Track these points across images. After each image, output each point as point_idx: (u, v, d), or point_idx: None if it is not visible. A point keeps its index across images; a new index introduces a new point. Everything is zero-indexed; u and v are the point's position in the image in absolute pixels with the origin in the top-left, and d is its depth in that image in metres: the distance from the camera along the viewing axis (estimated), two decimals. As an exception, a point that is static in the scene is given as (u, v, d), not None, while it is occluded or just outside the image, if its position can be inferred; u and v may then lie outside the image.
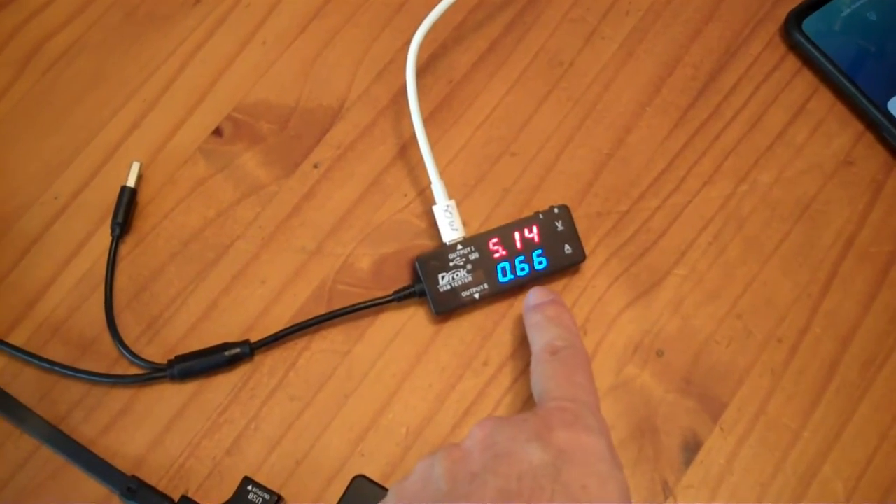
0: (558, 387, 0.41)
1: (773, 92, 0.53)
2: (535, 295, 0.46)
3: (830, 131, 0.52)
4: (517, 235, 0.48)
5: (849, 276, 0.49)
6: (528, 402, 0.47)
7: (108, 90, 0.53)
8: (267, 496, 0.45)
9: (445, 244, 0.48)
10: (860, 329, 0.49)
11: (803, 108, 0.53)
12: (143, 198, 0.51)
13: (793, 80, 0.53)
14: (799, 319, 0.49)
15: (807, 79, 0.53)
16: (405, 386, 0.48)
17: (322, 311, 0.49)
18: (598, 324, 0.49)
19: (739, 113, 0.53)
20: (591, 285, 0.50)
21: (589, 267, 0.50)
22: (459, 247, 0.48)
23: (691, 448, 0.47)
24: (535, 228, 0.48)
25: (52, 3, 0.55)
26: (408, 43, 0.50)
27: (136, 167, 0.51)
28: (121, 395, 0.48)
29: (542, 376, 0.42)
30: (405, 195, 0.51)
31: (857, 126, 0.52)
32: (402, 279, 0.49)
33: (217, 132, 0.52)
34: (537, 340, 0.44)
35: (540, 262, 0.48)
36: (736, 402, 0.48)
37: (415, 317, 0.49)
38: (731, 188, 0.51)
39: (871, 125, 0.52)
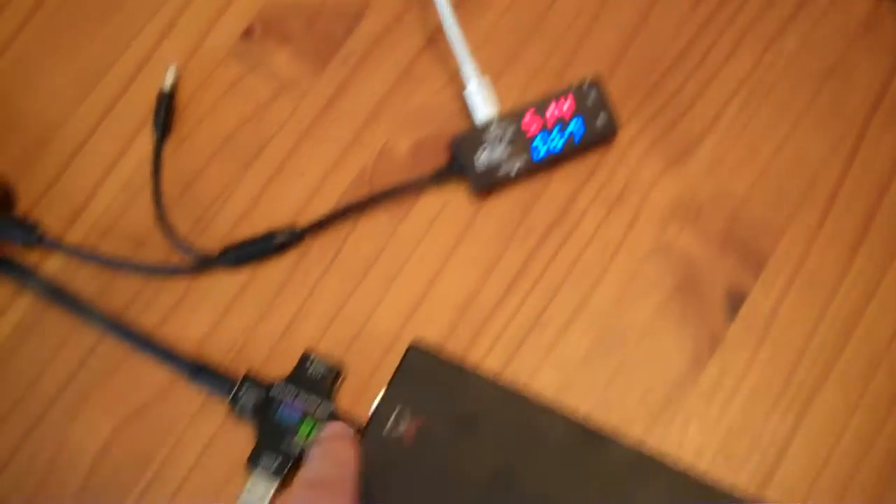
0: None
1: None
2: (327, 429, 0.45)
3: (851, -2, 0.53)
4: (551, 109, 0.49)
5: (878, 132, 0.50)
6: (573, 268, 0.49)
7: (134, 1, 0.54)
8: (327, 367, 0.47)
9: (480, 123, 0.49)
10: (893, 182, 0.50)
11: (822, -25, 0.54)
12: (179, 102, 0.52)
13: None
14: (831, 176, 0.50)
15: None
16: (451, 261, 0.49)
17: (365, 195, 0.50)
18: (635, 191, 0.50)
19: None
20: (627, 155, 0.51)
21: (623, 138, 0.51)
22: (494, 124, 0.49)
23: (735, 302, 0.48)
24: (568, 102, 0.49)
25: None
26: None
27: (172, 70, 0.52)
28: (177, 286, 0.49)
29: None
30: (437, 81, 0.52)
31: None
32: (440, 161, 0.51)
33: (247, 33, 0.54)
34: (305, 472, 0.43)
35: (574, 135, 0.49)
36: (775, 257, 0.49)
37: (455, 196, 0.50)
38: (758, 55, 0.52)
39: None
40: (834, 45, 0.52)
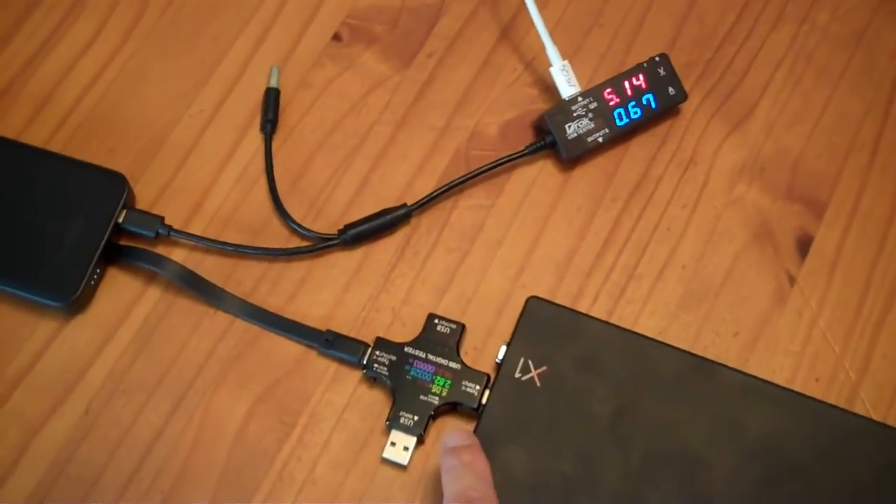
0: None
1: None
2: (453, 438, 0.46)
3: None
4: (627, 84, 0.55)
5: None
6: (658, 225, 0.54)
7: (228, 13, 0.59)
8: (453, 325, 0.51)
9: (565, 98, 0.55)
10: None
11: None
12: (281, 102, 0.57)
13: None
14: (873, 127, 0.57)
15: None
16: (548, 226, 0.55)
17: (462, 174, 0.55)
18: (704, 155, 0.56)
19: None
20: (692, 124, 0.57)
21: (687, 109, 0.57)
22: (579, 99, 0.55)
23: (804, 243, 0.54)
24: (641, 76, 0.55)
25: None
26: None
27: (275, 71, 0.57)
28: (298, 267, 0.54)
29: None
30: (514, 69, 0.58)
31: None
32: (527, 138, 0.56)
33: (336, 37, 0.58)
34: (451, 487, 0.44)
35: (649, 104, 0.55)
36: (834, 201, 0.55)
37: (545, 168, 0.56)
38: (796, 28, 0.59)
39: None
40: (859, 15, 0.59)
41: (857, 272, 0.54)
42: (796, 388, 0.51)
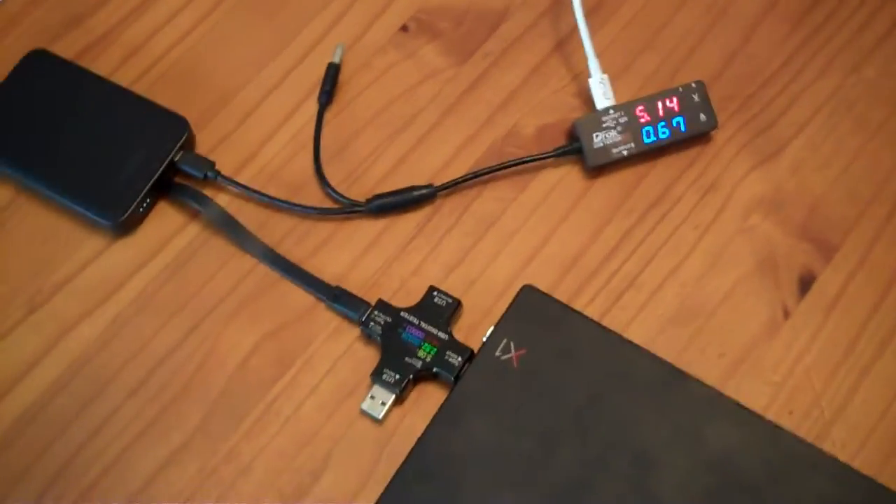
0: None
1: (878, 2, 0.62)
2: None
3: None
4: (660, 104, 0.58)
5: (943, 153, 0.58)
6: (667, 241, 0.57)
7: (309, -2, 0.64)
8: (450, 299, 0.55)
9: (599, 109, 0.58)
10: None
11: (905, 16, 0.62)
12: (343, 77, 0.62)
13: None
14: (900, 182, 0.57)
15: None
16: (562, 226, 0.57)
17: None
18: (726, 182, 0.58)
19: (848, 20, 0.62)
20: (722, 152, 0.59)
21: (719, 138, 0.59)
22: (611, 111, 0.57)
23: (807, 281, 0.55)
24: (675, 99, 0.58)
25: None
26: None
27: (340, 48, 0.62)
28: (326, 227, 0.58)
29: None
30: (562, 78, 0.61)
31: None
32: (560, 143, 0.59)
33: (404, 29, 0.63)
34: None
35: (679, 126, 0.57)
36: (846, 247, 0.56)
37: (570, 173, 0.59)
38: (842, 79, 0.60)
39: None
40: (909, 75, 0.60)
41: (854, 317, 0.54)
42: (768, 417, 0.52)
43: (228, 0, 0.64)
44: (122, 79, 0.62)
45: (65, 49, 0.63)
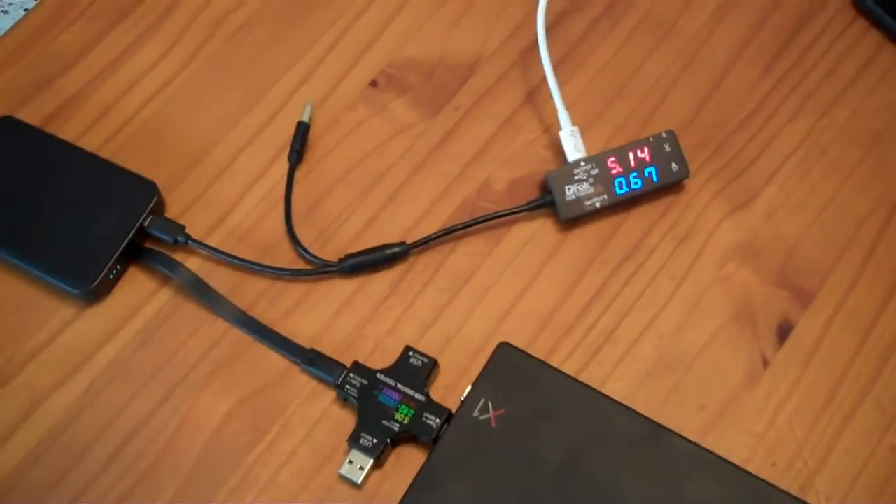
0: None
1: (846, 47, 0.62)
2: None
3: (897, 78, 0.61)
4: (631, 155, 0.57)
5: (918, 191, 0.58)
6: (643, 293, 0.56)
7: (281, 52, 0.64)
8: (426, 359, 0.54)
9: (570, 162, 0.57)
10: (928, 235, 0.57)
11: (872, 60, 0.62)
12: (312, 135, 0.61)
13: (863, 38, 0.62)
14: (875, 225, 0.57)
15: (874, 37, 0.62)
16: (537, 281, 0.57)
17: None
18: (700, 231, 0.57)
19: (817, 64, 0.62)
20: (695, 200, 0.58)
21: (692, 186, 0.59)
22: (582, 163, 0.57)
23: (785, 329, 0.55)
24: (646, 149, 0.57)
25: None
26: (533, 10, 0.60)
27: (309, 107, 0.61)
28: (298, 288, 0.57)
29: None
30: (533, 130, 0.61)
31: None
32: (532, 196, 0.59)
33: (373, 84, 0.63)
34: None
35: (652, 175, 0.57)
36: (823, 292, 0.56)
37: (544, 226, 0.58)
38: (813, 123, 0.60)
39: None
40: (881, 115, 0.60)
41: (834, 364, 0.54)
42: (751, 469, 0.51)
43: (198, 59, 0.64)
44: (92, 141, 0.61)
45: (35, 112, 0.62)
